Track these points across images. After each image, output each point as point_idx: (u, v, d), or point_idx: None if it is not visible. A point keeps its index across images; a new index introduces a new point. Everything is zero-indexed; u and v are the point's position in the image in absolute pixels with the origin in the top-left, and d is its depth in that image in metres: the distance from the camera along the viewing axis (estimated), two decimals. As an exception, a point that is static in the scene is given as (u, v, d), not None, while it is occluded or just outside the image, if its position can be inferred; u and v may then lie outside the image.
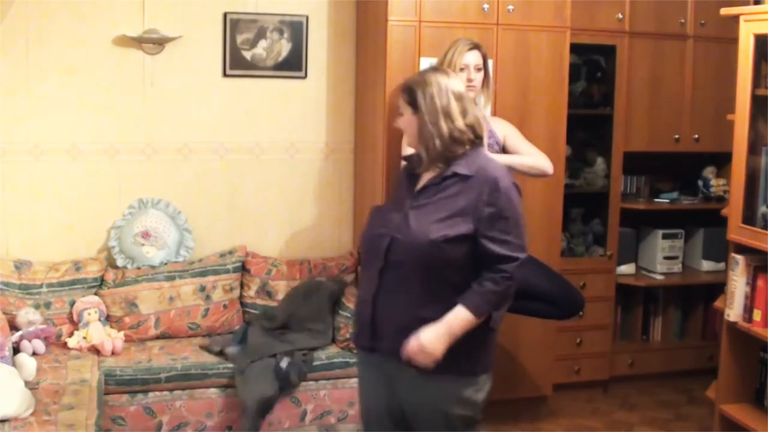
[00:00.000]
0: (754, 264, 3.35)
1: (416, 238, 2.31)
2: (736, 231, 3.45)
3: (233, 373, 3.58)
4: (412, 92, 2.40)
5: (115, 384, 3.47)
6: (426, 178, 2.43)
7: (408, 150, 3.58)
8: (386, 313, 2.39)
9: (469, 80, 3.42)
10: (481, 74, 3.46)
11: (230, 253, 4.15)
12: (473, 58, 3.43)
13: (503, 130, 3.59)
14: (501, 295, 2.35)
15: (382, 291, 2.38)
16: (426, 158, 2.41)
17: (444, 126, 2.36)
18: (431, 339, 2.28)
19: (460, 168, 2.37)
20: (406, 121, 2.43)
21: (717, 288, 4.21)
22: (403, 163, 2.63)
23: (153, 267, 3.97)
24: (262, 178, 4.28)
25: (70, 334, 3.73)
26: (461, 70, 3.41)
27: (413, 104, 2.40)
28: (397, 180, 2.66)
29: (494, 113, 3.88)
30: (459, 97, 2.40)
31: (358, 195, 4.36)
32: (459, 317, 2.31)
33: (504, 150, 3.54)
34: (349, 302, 3.93)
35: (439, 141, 2.37)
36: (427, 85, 2.38)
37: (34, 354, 3.46)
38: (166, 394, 3.54)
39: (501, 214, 2.33)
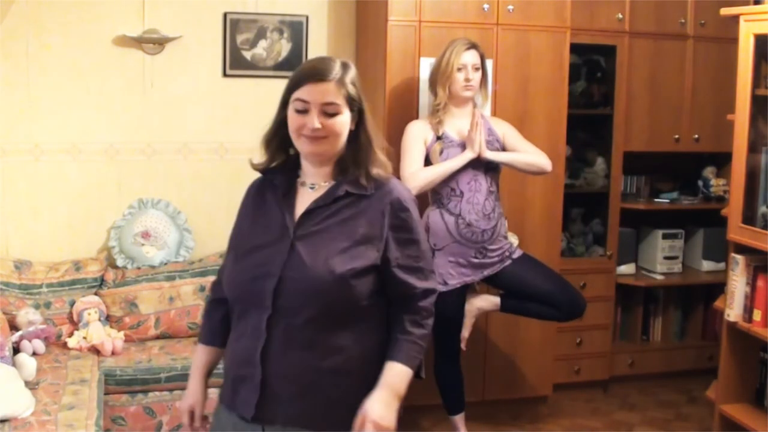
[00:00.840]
0: (754, 264, 3.35)
1: (317, 276, 1.85)
2: (736, 231, 3.45)
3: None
4: (355, 86, 1.95)
5: (115, 384, 3.47)
6: (305, 198, 1.96)
7: (413, 167, 3.41)
8: (282, 372, 1.88)
9: (467, 80, 3.42)
10: (479, 74, 3.46)
11: (230, 253, 4.15)
12: (471, 57, 3.43)
13: (502, 128, 3.58)
14: (427, 337, 2.01)
15: (272, 345, 1.88)
16: (334, 170, 1.97)
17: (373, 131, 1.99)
18: (383, 413, 1.88)
19: (353, 186, 1.94)
20: (344, 121, 1.93)
21: (717, 288, 4.21)
22: (260, 177, 2.08)
23: (153, 267, 3.97)
24: (262, 178, 4.28)
25: (70, 334, 3.73)
26: (459, 70, 3.41)
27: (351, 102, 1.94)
28: (251, 202, 2.06)
29: (494, 113, 3.88)
30: None
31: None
32: (400, 376, 1.93)
33: (503, 149, 3.54)
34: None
35: (370, 150, 1.97)
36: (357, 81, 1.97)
37: (34, 354, 3.46)
38: (166, 394, 3.54)
39: (411, 237, 1.97)
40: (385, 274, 1.94)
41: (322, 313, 1.87)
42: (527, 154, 3.52)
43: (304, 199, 1.97)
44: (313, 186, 1.98)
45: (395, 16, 3.77)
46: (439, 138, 3.43)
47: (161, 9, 4.03)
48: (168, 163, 4.14)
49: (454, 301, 3.48)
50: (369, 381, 1.91)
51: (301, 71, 1.92)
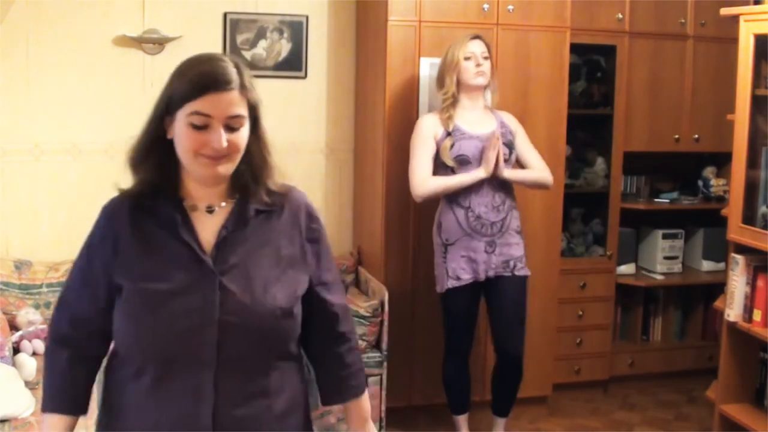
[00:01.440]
0: (754, 264, 3.35)
1: (262, 314, 1.60)
2: (736, 231, 3.45)
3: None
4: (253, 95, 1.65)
5: (115, 384, 3.46)
6: (206, 224, 1.65)
7: (423, 173, 3.42)
8: (239, 429, 1.62)
9: (478, 65, 3.40)
10: (489, 62, 3.45)
11: (230, 253, 4.14)
12: (477, 46, 3.43)
13: (514, 125, 3.58)
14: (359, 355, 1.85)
15: (223, 403, 1.59)
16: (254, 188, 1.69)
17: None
18: None
19: (259, 203, 1.68)
20: (247, 133, 1.64)
21: (717, 288, 4.21)
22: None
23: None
24: (262, 178, 4.28)
25: (70, 334, 3.73)
26: (467, 59, 3.40)
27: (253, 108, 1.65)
28: (126, 233, 1.66)
29: (494, 113, 3.88)
30: None
31: (358, 195, 4.36)
32: (367, 403, 1.85)
33: (512, 144, 3.52)
34: (350, 303, 3.92)
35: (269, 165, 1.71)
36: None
37: (34, 354, 3.46)
38: (166, 394, 3.53)
39: (325, 248, 1.78)
40: (307, 295, 1.71)
41: (272, 354, 1.65)
42: (535, 171, 3.54)
43: (206, 226, 1.65)
44: (211, 209, 1.66)
45: (395, 16, 3.77)
46: (449, 134, 3.42)
47: (161, 9, 4.03)
48: (168, 163, 4.13)
49: (466, 297, 3.47)
50: (308, 413, 1.78)
51: (197, 77, 1.57)
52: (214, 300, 1.58)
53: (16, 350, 3.40)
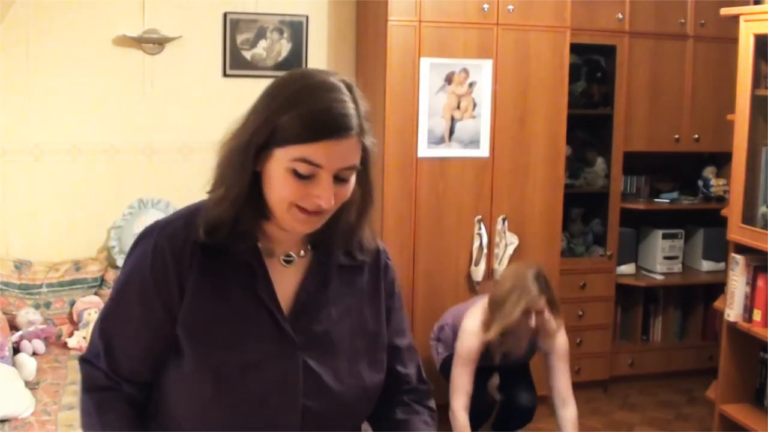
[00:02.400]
0: (754, 264, 3.35)
1: (349, 400, 1.39)
2: (736, 231, 3.45)
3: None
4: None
5: (115, 384, 3.46)
6: (283, 277, 1.39)
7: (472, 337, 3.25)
8: None
9: (532, 322, 3.16)
10: (546, 313, 3.19)
11: (230, 253, 4.13)
12: (540, 303, 3.16)
13: (550, 344, 3.33)
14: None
15: None
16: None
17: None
18: None
19: (347, 256, 1.44)
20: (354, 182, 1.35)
21: (717, 288, 4.21)
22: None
23: (153, 267, 3.96)
24: (262, 178, 4.28)
25: (70, 334, 3.73)
26: (525, 312, 3.14)
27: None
28: (196, 276, 1.34)
29: (494, 113, 3.89)
30: None
31: (358, 195, 4.35)
32: None
33: (532, 351, 3.41)
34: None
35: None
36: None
37: (34, 354, 3.46)
38: (166, 394, 3.53)
39: (401, 305, 1.55)
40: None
41: (347, 430, 1.44)
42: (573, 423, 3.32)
43: (283, 280, 1.38)
44: (289, 259, 1.40)
45: (395, 16, 3.77)
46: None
47: (161, 9, 4.03)
48: (168, 163, 4.14)
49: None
50: None
51: (313, 118, 1.26)
52: (297, 381, 1.34)
53: (16, 350, 3.41)
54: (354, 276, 1.44)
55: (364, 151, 1.32)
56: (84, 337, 3.68)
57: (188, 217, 1.38)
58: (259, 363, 1.33)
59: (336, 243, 1.41)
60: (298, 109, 1.27)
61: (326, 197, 1.28)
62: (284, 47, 4.21)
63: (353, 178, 1.33)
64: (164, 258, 1.34)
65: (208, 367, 1.32)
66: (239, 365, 1.32)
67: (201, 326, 1.33)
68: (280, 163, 1.28)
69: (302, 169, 1.26)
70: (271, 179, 1.30)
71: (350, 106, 1.29)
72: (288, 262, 1.39)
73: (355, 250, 1.42)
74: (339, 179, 1.29)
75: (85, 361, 1.42)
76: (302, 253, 1.41)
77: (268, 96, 1.33)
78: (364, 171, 1.34)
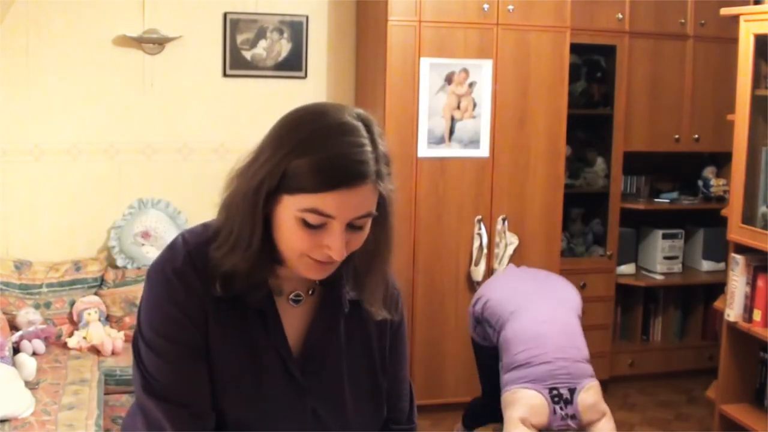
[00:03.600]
0: (754, 264, 3.36)
1: None
2: (736, 231, 3.45)
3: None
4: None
5: (115, 384, 3.46)
6: (291, 317, 1.35)
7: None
8: None
9: None
10: None
11: (230, 253, 4.13)
12: None
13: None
14: None
15: None
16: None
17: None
18: None
19: (351, 289, 1.38)
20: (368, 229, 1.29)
21: (717, 288, 4.21)
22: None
23: (153, 267, 3.96)
24: (262, 178, 4.28)
25: (70, 334, 3.73)
26: None
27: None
28: (214, 316, 1.30)
29: (494, 113, 3.90)
30: None
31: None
32: None
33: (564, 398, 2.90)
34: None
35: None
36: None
37: (34, 354, 3.46)
38: (166, 394, 3.52)
39: (405, 343, 1.50)
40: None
41: None
42: None
43: (290, 320, 1.34)
44: (298, 298, 1.34)
45: (395, 16, 3.77)
46: None
47: (161, 9, 4.03)
48: (168, 163, 4.14)
49: None
50: None
51: (326, 166, 1.18)
52: (301, 428, 1.33)
53: (16, 350, 3.41)
54: (358, 311, 1.38)
55: (382, 197, 1.24)
56: (84, 337, 3.68)
57: (194, 252, 1.30)
58: (270, 416, 1.31)
59: (346, 281, 1.35)
60: (310, 156, 1.18)
61: (337, 249, 1.21)
62: (284, 47, 4.21)
63: (368, 225, 1.26)
64: (182, 294, 1.28)
65: (224, 419, 1.31)
66: (253, 419, 1.31)
67: (217, 377, 1.30)
68: (289, 210, 1.21)
69: (312, 219, 1.20)
70: (280, 226, 1.23)
71: (367, 151, 1.20)
72: (297, 301, 1.34)
73: (367, 302, 1.35)
74: (353, 226, 1.23)
75: None
76: (311, 291, 1.36)
77: (279, 136, 1.23)
78: (382, 217, 1.27)
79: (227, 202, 1.28)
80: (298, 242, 1.22)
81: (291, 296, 1.33)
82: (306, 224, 1.20)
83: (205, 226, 1.34)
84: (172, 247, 1.33)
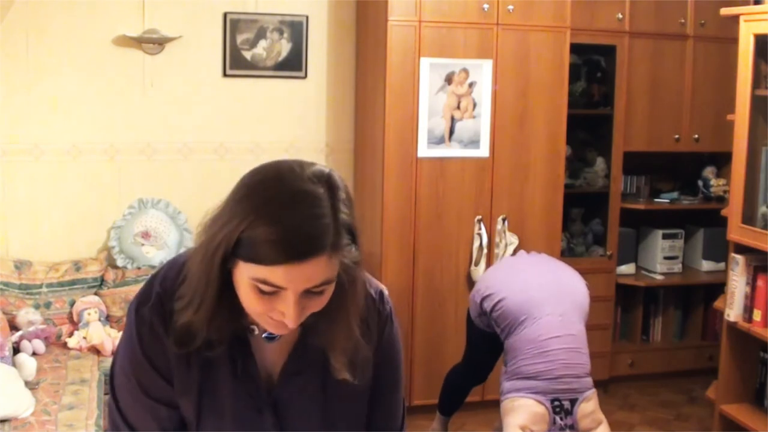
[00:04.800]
0: (754, 264, 3.35)
1: None
2: (736, 231, 3.45)
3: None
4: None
5: (115, 384, 3.46)
6: (266, 354, 1.35)
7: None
8: None
9: None
10: None
11: (230, 253, 4.13)
12: None
13: None
14: None
15: None
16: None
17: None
18: None
19: None
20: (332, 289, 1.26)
21: (717, 288, 4.21)
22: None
23: (153, 267, 3.97)
24: (262, 178, 4.28)
25: (70, 334, 3.73)
26: None
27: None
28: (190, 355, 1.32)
29: (494, 113, 3.90)
30: None
31: (358, 195, 4.35)
32: None
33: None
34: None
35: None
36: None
37: (34, 354, 3.46)
38: (166, 394, 3.52)
39: (399, 358, 1.52)
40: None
41: None
42: None
43: (265, 355, 1.34)
44: (272, 336, 1.32)
45: (395, 16, 3.77)
46: None
47: (161, 9, 4.03)
48: (168, 163, 4.14)
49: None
50: None
51: (278, 240, 1.14)
52: None
53: (16, 350, 3.41)
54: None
55: (346, 265, 1.21)
56: (84, 337, 3.68)
57: (164, 297, 1.32)
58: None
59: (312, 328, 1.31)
60: (262, 227, 1.14)
61: (291, 316, 1.19)
62: (284, 47, 4.21)
63: (330, 289, 1.22)
64: (147, 335, 1.33)
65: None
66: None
67: (187, 415, 1.34)
68: (243, 276, 1.19)
69: (265, 288, 1.18)
70: (238, 287, 1.22)
71: (324, 223, 1.16)
72: (270, 339, 1.32)
73: (331, 356, 1.31)
74: (311, 292, 1.20)
75: None
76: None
77: (238, 200, 1.19)
78: (347, 281, 1.25)
79: (191, 255, 1.27)
80: (254, 305, 1.21)
81: (264, 334, 1.31)
82: (260, 291, 1.19)
83: (183, 265, 1.32)
84: (150, 284, 1.36)
